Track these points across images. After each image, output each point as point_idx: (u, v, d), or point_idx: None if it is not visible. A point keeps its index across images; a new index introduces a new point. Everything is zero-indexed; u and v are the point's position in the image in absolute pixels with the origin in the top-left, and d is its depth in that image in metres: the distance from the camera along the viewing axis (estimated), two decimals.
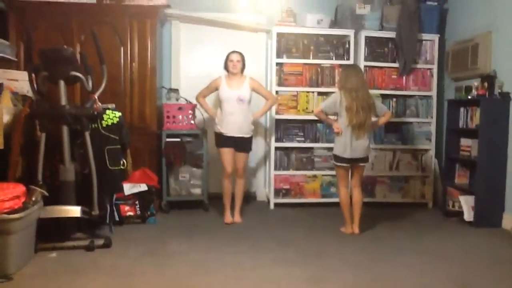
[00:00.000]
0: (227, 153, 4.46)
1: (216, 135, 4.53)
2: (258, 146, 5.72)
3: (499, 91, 4.51)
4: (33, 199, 3.28)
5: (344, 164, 4.13)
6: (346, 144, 4.05)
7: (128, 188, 4.34)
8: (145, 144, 4.79)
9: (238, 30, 5.54)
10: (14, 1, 4.67)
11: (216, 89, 4.52)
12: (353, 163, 4.14)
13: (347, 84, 4.06)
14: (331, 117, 4.28)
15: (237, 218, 4.59)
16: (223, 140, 4.46)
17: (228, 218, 4.53)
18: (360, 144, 4.06)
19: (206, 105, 4.68)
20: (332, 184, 5.31)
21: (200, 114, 5.01)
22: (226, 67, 4.51)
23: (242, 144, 4.50)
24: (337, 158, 4.15)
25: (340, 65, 5.23)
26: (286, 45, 5.23)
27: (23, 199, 3.22)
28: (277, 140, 5.24)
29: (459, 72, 5.16)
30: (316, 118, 5.21)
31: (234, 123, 4.40)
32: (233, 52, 4.51)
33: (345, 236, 4.09)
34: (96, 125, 3.87)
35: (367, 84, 4.27)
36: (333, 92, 5.21)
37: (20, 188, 3.25)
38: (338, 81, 4.33)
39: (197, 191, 5.07)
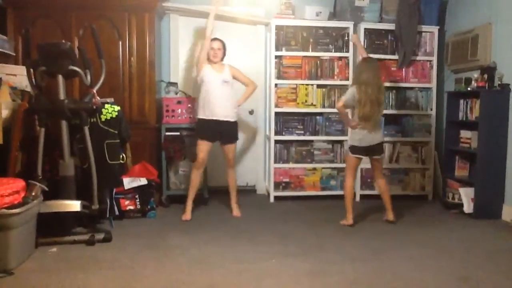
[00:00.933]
0: (205, 146, 4.39)
1: (199, 122, 4.45)
2: (258, 139, 5.72)
3: (499, 82, 4.50)
4: (33, 194, 3.29)
5: (360, 156, 4.19)
6: (362, 134, 4.12)
7: (128, 182, 4.34)
8: (144, 138, 4.78)
9: (237, 23, 5.50)
10: None
11: (201, 62, 4.47)
12: (370, 154, 4.20)
13: (360, 78, 4.13)
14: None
15: (236, 211, 4.58)
16: (205, 130, 4.40)
17: (187, 214, 4.41)
18: (375, 135, 4.15)
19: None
20: (332, 177, 5.32)
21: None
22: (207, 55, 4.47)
23: (227, 132, 4.43)
24: (354, 148, 4.19)
25: (340, 57, 5.23)
26: (285, 37, 5.21)
27: (22, 194, 3.22)
28: (276, 133, 5.23)
29: (458, 64, 5.15)
30: (314, 111, 5.25)
31: (220, 106, 4.36)
32: (215, 39, 4.48)
33: (345, 229, 4.09)
34: (95, 120, 3.87)
35: (380, 79, 4.27)
36: (333, 85, 5.26)
37: (20, 183, 3.25)
38: (353, 74, 4.37)
39: None
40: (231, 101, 4.45)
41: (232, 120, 4.45)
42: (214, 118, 4.36)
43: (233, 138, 4.52)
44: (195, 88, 4.69)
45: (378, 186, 4.39)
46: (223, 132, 4.41)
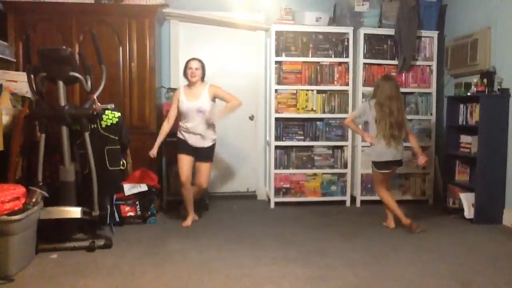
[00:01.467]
0: (185, 159, 4.28)
1: (178, 140, 4.37)
2: (258, 144, 5.72)
3: (499, 87, 4.50)
4: (34, 200, 3.29)
5: (386, 171, 4.20)
6: (383, 149, 4.12)
7: (129, 188, 4.34)
8: (145, 144, 4.76)
9: (237, 28, 5.53)
10: (12, 1, 4.67)
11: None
12: (393, 166, 4.22)
13: (380, 96, 4.13)
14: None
15: (193, 216, 4.50)
16: (183, 146, 4.30)
17: (188, 221, 4.38)
18: (397, 148, 4.14)
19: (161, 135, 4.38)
20: (332, 183, 5.32)
21: None
22: (185, 75, 4.33)
23: (203, 153, 4.33)
24: (378, 164, 4.20)
25: (340, 63, 5.24)
26: (285, 43, 5.22)
27: (23, 200, 3.22)
28: (276, 138, 5.23)
29: (458, 68, 5.16)
30: (315, 117, 5.25)
31: (195, 135, 4.26)
32: (192, 59, 4.32)
33: (345, 234, 4.08)
34: (95, 126, 3.87)
35: (401, 98, 4.27)
36: (333, 90, 5.26)
37: (20, 189, 3.25)
38: (373, 91, 4.36)
39: None
40: (208, 129, 4.30)
41: (208, 145, 4.34)
42: (190, 143, 4.29)
43: (208, 158, 4.38)
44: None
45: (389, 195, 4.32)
46: (198, 152, 4.32)
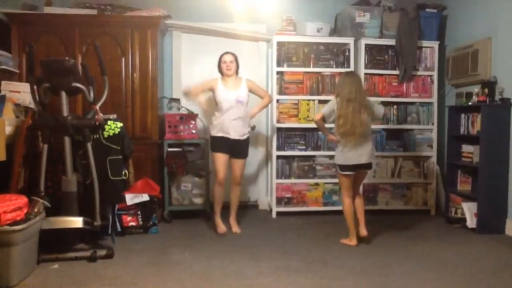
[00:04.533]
0: (221, 159, 4.35)
1: (212, 138, 4.43)
2: (260, 154, 5.72)
3: (500, 97, 4.51)
4: (36, 210, 3.29)
5: (349, 172, 4.01)
6: (346, 151, 3.97)
7: (130, 198, 4.34)
8: (146, 154, 4.80)
9: (239, 39, 5.56)
10: (16, 13, 4.72)
11: (210, 89, 4.42)
12: (358, 169, 4.04)
13: (342, 92, 3.96)
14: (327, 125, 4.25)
15: (235, 227, 4.51)
16: (219, 144, 4.37)
17: (221, 227, 4.40)
18: (362, 150, 3.96)
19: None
20: (334, 192, 5.31)
21: (200, 123, 5.04)
22: (220, 70, 4.44)
23: (239, 149, 4.39)
24: (341, 166, 4.05)
25: (340, 73, 5.25)
26: (287, 53, 5.25)
27: (25, 211, 3.22)
28: (278, 148, 5.24)
29: (459, 78, 5.18)
30: (316, 126, 5.25)
31: (233, 126, 4.32)
32: (226, 53, 4.44)
33: (345, 244, 4.06)
34: (97, 136, 3.89)
35: (364, 92, 4.14)
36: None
37: (23, 200, 3.26)
38: (335, 88, 4.25)
39: (199, 200, 5.04)
40: (245, 120, 4.41)
41: (244, 138, 4.43)
42: (227, 136, 4.34)
43: (243, 154, 4.49)
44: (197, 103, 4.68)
45: (354, 201, 4.11)
46: (234, 147, 4.39)
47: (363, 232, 4.07)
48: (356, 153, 3.95)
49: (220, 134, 4.35)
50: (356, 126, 3.87)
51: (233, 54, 4.44)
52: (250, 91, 4.46)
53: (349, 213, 4.07)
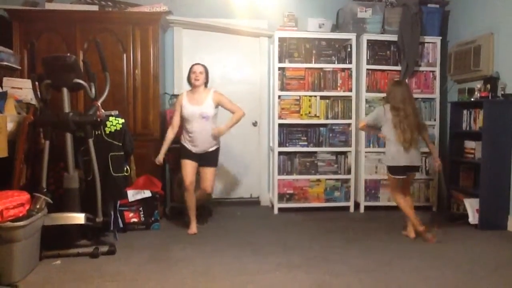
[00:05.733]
0: (189, 165, 4.26)
1: (181, 146, 4.35)
2: (261, 150, 5.72)
3: (502, 92, 4.50)
4: (38, 206, 3.30)
5: (401, 176, 4.10)
6: (399, 154, 4.04)
7: (132, 195, 4.34)
8: (148, 150, 4.78)
9: (240, 35, 5.56)
10: (17, 10, 4.71)
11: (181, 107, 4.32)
12: (409, 172, 4.13)
13: (392, 100, 4.08)
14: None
15: (193, 228, 4.36)
16: (187, 153, 4.28)
17: (193, 229, 4.31)
18: (413, 153, 4.05)
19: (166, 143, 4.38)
20: (336, 189, 5.31)
21: None
22: (188, 80, 4.34)
23: (207, 158, 4.31)
24: (392, 169, 4.12)
25: (343, 69, 5.25)
26: (288, 49, 5.24)
27: (27, 207, 3.23)
28: (280, 144, 5.24)
29: (461, 74, 5.16)
30: (318, 122, 5.26)
31: (198, 141, 4.24)
32: (196, 64, 4.34)
33: (349, 240, 4.07)
34: (99, 132, 3.89)
35: (414, 100, 4.23)
36: (336, 96, 5.27)
37: (25, 196, 3.26)
38: (385, 95, 4.35)
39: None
40: (211, 135, 4.28)
41: (212, 149, 4.35)
42: (194, 151, 4.28)
43: (212, 163, 4.37)
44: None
45: (405, 201, 4.20)
46: (202, 157, 4.31)
47: (420, 228, 4.08)
48: (407, 155, 4.03)
49: (187, 146, 4.29)
50: (411, 133, 4.01)
51: (204, 66, 4.32)
52: (219, 104, 4.30)
53: (405, 206, 4.15)
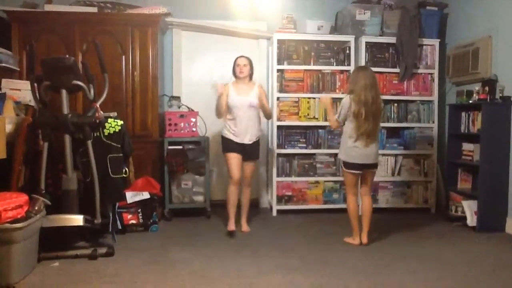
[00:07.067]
0: (234, 158, 4.30)
1: (224, 139, 4.39)
2: (260, 152, 5.70)
3: (500, 95, 4.51)
4: (36, 208, 3.29)
5: (355, 171, 3.96)
6: (356, 150, 3.88)
7: (131, 196, 4.34)
8: (147, 152, 4.79)
9: (239, 37, 5.56)
10: (16, 11, 4.71)
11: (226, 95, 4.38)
12: (364, 169, 3.98)
13: (356, 87, 3.86)
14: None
15: (245, 227, 4.50)
16: (231, 145, 4.33)
17: (232, 225, 4.37)
18: (371, 151, 3.91)
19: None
20: (334, 190, 5.31)
21: (200, 120, 5.03)
22: (234, 72, 4.43)
23: (250, 151, 4.38)
24: (347, 164, 3.99)
25: (341, 71, 5.26)
26: (287, 51, 5.25)
27: (26, 208, 3.22)
28: (279, 146, 5.24)
29: (460, 76, 5.17)
30: (317, 124, 5.26)
31: (246, 130, 4.31)
32: (240, 56, 4.43)
33: (348, 243, 4.07)
34: (98, 134, 3.89)
35: (378, 87, 4.03)
36: (335, 98, 5.24)
37: (23, 197, 3.25)
38: (348, 84, 4.17)
39: (199, 198, 5.05)
40: (257, 124, 4.42)
41: (254, 140, 4.41)
42: (239, 141, 4.32)
43: (255, 156, 4.47)
44: (198, 101, 4.66)
45: (362, 203, 4.09)
46: (245, 150, 4.36)
47: (364, 239, 3.99)
48: (364, 152, 3.88)
49: (231, 137, 4.33)
50: (373, 126, 3.85)
51: (248, 58, 4.42)
52: (258, 99, 4.37)
53: (353, 211, 4.03)
